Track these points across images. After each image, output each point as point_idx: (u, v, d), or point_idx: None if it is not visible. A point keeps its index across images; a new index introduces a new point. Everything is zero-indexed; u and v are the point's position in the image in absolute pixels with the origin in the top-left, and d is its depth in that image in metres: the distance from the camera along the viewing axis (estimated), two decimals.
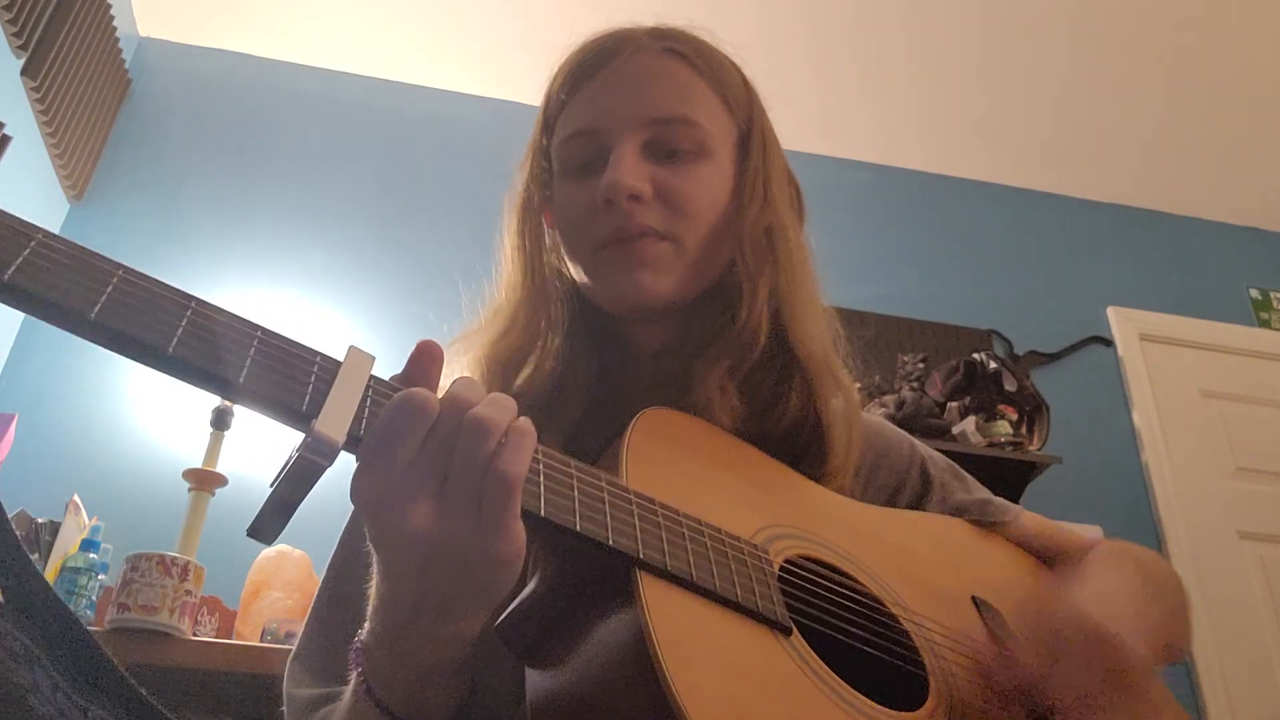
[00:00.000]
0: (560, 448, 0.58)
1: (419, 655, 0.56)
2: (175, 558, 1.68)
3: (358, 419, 0.49)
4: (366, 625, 0.58)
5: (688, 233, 0.77)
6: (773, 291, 0.79)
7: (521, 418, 0.53)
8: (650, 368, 0.82)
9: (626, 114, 0.78)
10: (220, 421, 2.15)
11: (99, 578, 1.86)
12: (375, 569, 0.55)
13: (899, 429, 0.95)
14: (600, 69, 0.80)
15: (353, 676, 0.59)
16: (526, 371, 0.78)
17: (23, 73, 2.29)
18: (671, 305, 0.78)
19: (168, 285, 0.43)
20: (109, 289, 0.39)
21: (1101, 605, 0.69)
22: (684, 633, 0.53)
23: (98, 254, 0.40)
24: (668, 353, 0.81)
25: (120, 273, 0.40)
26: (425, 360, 0.53)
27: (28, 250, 0.36)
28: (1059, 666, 0.65)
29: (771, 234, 0.80)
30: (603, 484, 0.58)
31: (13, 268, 0.35)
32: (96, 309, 0.38)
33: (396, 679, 0.57)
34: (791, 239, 0.82)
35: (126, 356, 0.41)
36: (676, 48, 0.82)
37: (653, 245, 0.76)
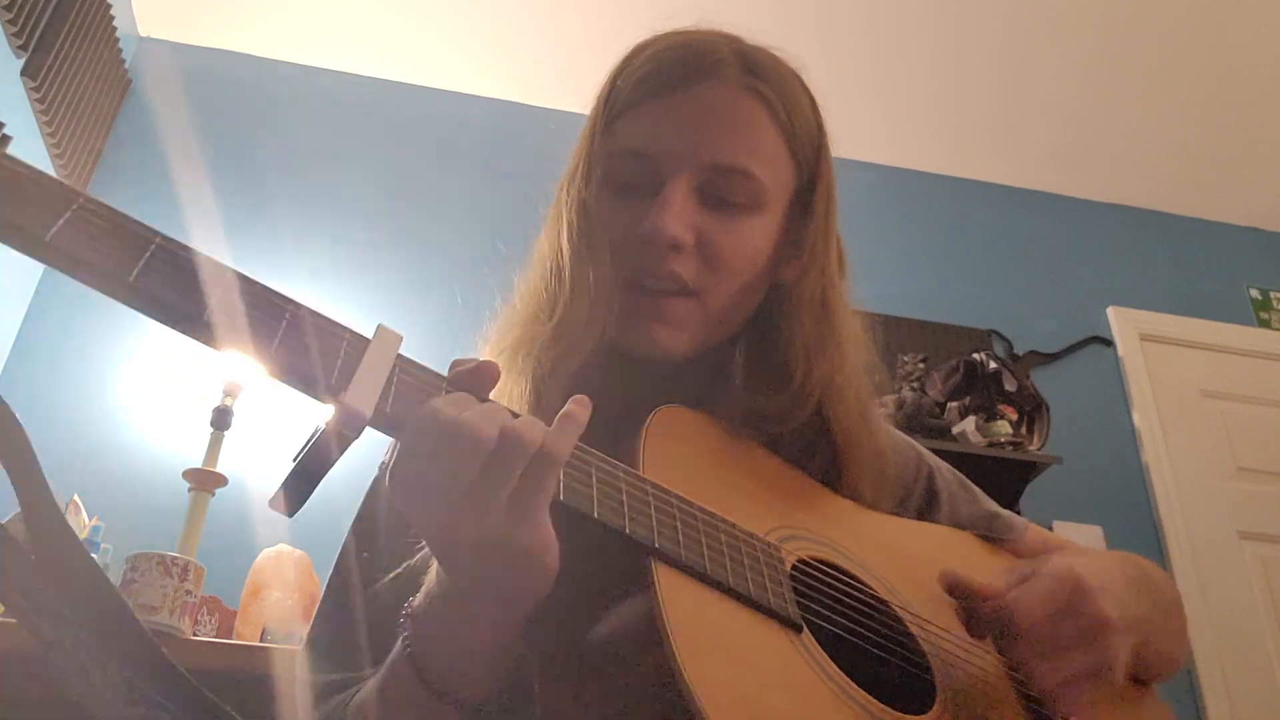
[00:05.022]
0: None
1: (464, 632, 0.57)
2: (175, 558, 1.68)
3: (384, 395, 0.49)
4: (420, 593, 0.60)
5: (715, 289, 0.75)
6: (826, 371, 0.77)
7: (578, 397, 0.56)
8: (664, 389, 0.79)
9: (688, 150, 0.74)
10: (220, 421, 2.14)
11: None
12: None
13: (906, 436, 0.93)
14: (678, 89, 0.75)
15: (397, 643, 0.60)
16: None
17: (23, 73, 2.28)
18: (683, 361, 0.76)
19: (202, 254, 0.43)
20: (147, 254, 0.39)
21: (1087, 565, 0.69)
22: (697, 623, 0.54)
23: (136, 220, 0.40)
24: (678, 378, 0.78)
25: (158, 240, 0.41)
26: (483, 377, 0.56)
27: (69, 213, 0.37)
28: (1025, 589, 0.67)
29: (827, 304, 0.79)
30: (620, 474, 0.58)
31: (55, 228, 0.36)
32: (135, 273, 0.38)
33: (439, 651, 0.58)
34: (843, 309, 0.80)
35: (161, 321, 0.42)
36: (760, 88, 0.76)
37: (677, 305, 0.74)
